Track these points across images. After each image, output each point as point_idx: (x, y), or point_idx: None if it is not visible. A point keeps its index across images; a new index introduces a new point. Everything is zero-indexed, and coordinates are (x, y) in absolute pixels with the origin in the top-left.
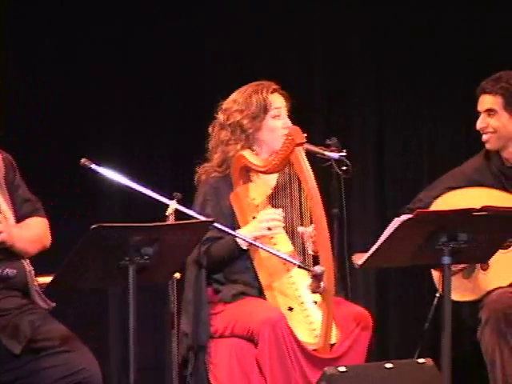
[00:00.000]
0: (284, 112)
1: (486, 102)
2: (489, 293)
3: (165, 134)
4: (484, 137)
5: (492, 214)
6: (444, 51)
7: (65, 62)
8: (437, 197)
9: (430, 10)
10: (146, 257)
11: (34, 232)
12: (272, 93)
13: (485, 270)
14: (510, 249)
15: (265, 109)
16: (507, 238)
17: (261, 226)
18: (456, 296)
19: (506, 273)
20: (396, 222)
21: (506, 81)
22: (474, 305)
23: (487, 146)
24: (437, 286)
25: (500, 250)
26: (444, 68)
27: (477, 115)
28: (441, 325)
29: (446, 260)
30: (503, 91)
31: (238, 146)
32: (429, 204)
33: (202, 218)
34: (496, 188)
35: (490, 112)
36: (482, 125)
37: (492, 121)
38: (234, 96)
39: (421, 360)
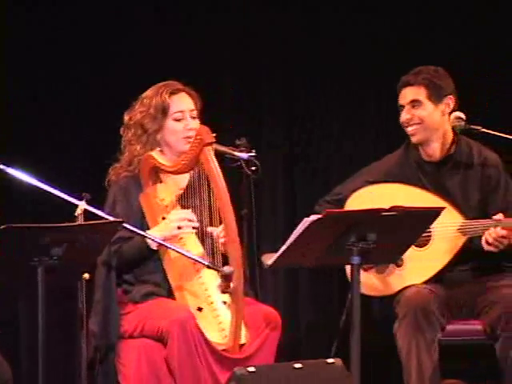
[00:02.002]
0: (188, 114)
1: (410, 93)
2: (403, 289)
3: (75, 135)
4: (409, 129)
5: (400, 214)
6: (353, 50)
7: None
8: (355, 190)
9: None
10: (55, 257)
11: None
12: (174, 93)
13: (399, 266)
14: (424, 247)
15: (163, 111)
16: (416, 239)
17: (171, 226)
18: (370, 291)
19: (420, 270)
20: (305, 222)
21: (427, 72)
22: (385, 301)
23: (414, 139)
24: (349, 279)
25: (415, 248)
26: (353, 67)
27: (389, 112)
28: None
29: (356, 260)
30: (426, 82)
31: (139, 147)
32: (347, 197)
33: (112, 219)
34: (414, 183)
35: (415, 103)
36: (408, 116)
37: (417, 112)
38: (141, 96)
39: (330, 360)
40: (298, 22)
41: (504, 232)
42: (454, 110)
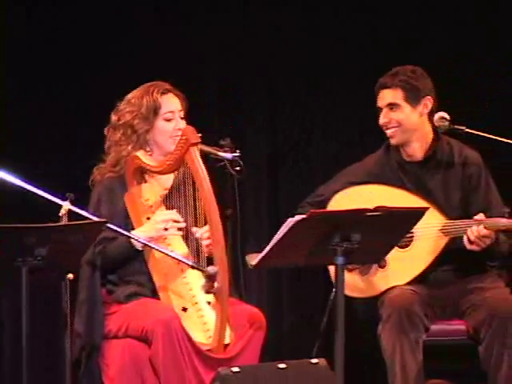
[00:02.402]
0: (177, 114)
1: (387, 96)
2: (387, 291)
3: (59, 135)
4: (388, 132)
5: (385, 214)
6: (334, 48)
7: None
8: (337, 191)
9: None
10: (39, 257)
11: None
12: (164, 94)
13: (383, 267)
14: (407, 248)
15: (155, 110)
16: (400, 239)
17: (157, 227)
18: (353, 292)
19: (403, 271)
20: (290, 223)
21: (404, 74)
22: (369, 302)
23: (392, 141)
24: (333, 280)
25: (397, 249)
26: (331, 63)
27: (373, 112)
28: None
29: (340, 260)
30: (402, 84)
31: (130, 147)
32: (329, 199)
33: (96, 219)
34: (395, 184)
35: (392, 106)
36: (385, 120)
37: (395, 114)
38: (128, 97)
39: (314, 360)
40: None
41: (486, 232)
42: (433, 110)
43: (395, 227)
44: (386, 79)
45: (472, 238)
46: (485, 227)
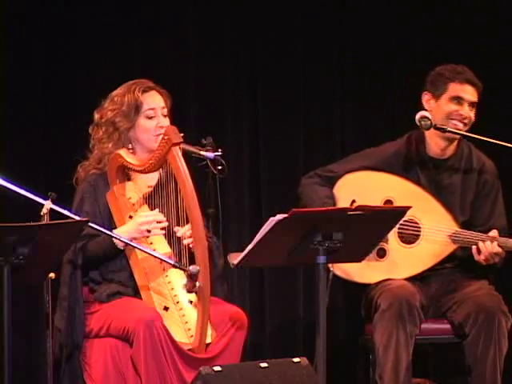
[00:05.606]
0: (160, 112)
1: (473, 93)
2: (384, 281)
3: (40, 133)
4: (460, 126)
5: (366, 214)
6: (313, 49)
7: None
8: (349, 171)
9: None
10: (21, 257)
11: None
12: (146, 91)
13: (381, 257)
14: (412, 245)
15: (136, 108)
16: (382, 238)
17: (140, 229)
18: (347, 276)
19: (402, 267)
20: (271, 222)
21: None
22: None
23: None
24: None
25: (401, 243)
26: (313, 64)
27: (353, 112)
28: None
29: (322, 259)
30: (481, 89)
31: (111, 144)
32: (339, 177)
33: (77, 218)
34: (409, 177)
35: (473, 105)
36: (469, 115)
37: (472, 113)
38: (111, 95)
39: (296, 359)
40: (263, 27)
41: (499, 249)
42: None
43: (377, 226)
44: (471, 75)
45: (486, 253)
46: (498, 245)
